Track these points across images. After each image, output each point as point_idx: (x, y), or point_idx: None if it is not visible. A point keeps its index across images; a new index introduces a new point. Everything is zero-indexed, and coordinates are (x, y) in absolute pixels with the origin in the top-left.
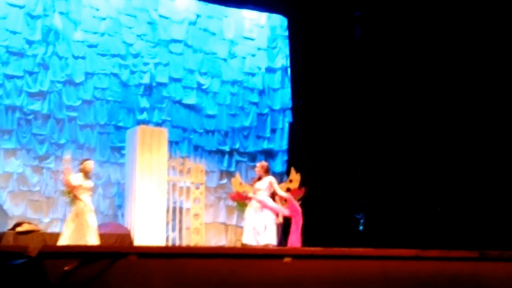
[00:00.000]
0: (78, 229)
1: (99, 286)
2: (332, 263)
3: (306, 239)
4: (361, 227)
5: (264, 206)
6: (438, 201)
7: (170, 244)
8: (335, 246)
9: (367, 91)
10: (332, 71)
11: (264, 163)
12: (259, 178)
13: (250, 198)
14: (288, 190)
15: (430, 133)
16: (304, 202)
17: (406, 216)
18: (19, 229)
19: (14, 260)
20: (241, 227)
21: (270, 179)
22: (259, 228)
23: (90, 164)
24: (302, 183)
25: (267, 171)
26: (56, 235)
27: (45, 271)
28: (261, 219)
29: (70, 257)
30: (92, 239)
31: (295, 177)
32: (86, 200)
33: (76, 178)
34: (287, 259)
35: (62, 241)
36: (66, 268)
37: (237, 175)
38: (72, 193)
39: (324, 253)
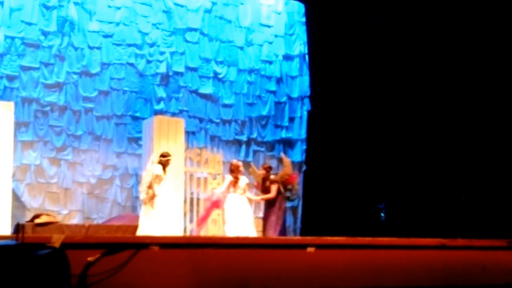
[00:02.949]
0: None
1: (122, 276)
2: (356, 252)
3: (328, 229)
4: (382, 216)
5: None
6: (462, 189)
7: (187, 235)
8: (357, 236)
9: (387, 77)
10: (351, 58)
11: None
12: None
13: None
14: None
15: (454, 118)
16: (325, 192)
17: (428, 206)
18: (37, 220)
19: (38, 251)
20: (259, 218)
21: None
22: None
23: (169, 161)
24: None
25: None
26: (74, 227)
27: (69, 262)
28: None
29: (93, 248)
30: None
31: (286, 161)
32: (157, 190)
33: (157, 169)
34: (310, 249)
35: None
36: (89, 258)
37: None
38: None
39: (347, 243)
